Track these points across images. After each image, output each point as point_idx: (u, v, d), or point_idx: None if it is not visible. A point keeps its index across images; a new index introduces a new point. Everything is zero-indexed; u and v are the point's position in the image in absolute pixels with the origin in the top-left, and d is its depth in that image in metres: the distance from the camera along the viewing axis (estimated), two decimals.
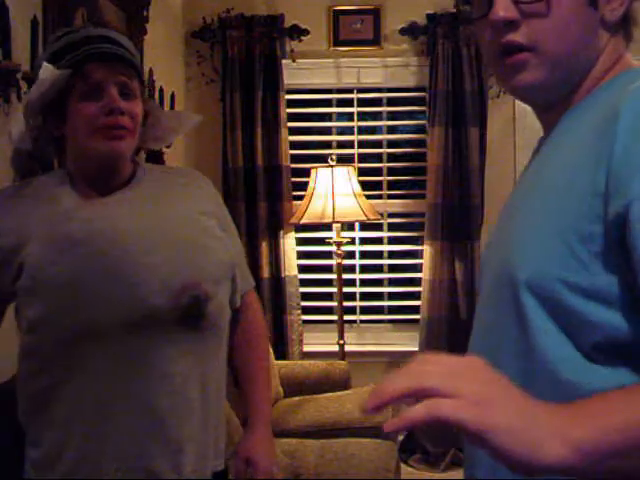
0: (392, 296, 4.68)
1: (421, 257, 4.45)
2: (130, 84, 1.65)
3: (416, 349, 4.35)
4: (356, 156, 4.63)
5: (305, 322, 4.50)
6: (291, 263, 4.41)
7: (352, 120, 4.66)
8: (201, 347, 1.66)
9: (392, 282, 4.68)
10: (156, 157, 3.73)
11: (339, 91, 4.65)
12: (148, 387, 1.58)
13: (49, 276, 1.55)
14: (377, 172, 4.66)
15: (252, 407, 1.87)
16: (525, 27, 1.04)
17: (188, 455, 1.62)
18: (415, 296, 4.52)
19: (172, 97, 3.88)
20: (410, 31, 4.47)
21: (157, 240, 1.63)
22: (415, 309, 4.47)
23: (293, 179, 4.49)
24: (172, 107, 3.86)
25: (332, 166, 4.26)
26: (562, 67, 1.06)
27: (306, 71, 4.55)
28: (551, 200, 1.00)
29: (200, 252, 1.68)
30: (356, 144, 4.64)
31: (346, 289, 4.44)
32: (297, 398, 3.86)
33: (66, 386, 1.57)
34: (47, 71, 1.61)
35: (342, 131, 4.74)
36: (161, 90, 3.78)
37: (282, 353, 4.30)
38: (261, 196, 4.37)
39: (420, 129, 4.61)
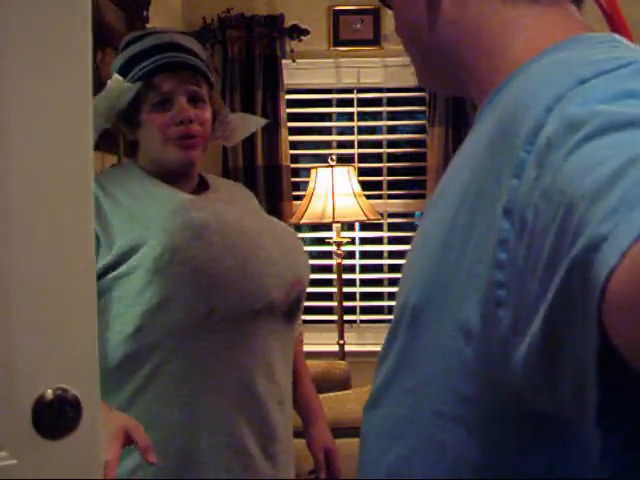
0: (392, 296, 4.67)
1: None
2: (199, 91, 1.71)
3: None
4: (356, 156, 4.63)
5: (305, 322, 4.50)
6: None
7: (352, 120, 4.66)
8: (289, 340, 1.78)
9: (392, 282, 4.68)
10: None
11: (339, 91, 4.65)
12: (251, 373, 1.66)
13: (184, 259, 1.59)
14: (377, 172, 4.66)
15: (306, 401, 1.96)
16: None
17: (281, 443, 1.72)
18: None
19: None
20: None
21: (271, 238, 1.75)
22: None
23: (293, 179, 4.49)
24: None
25: (332, 166, 4.26)
26: (419, 54, 0.92)
27: (306, 71, 4.55)
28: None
29: (298, 252, 1.83)
30: (356, 144, 4.64)
31: (346, 289, 4.44)
32: None
33: (177, 363, 1.63)
34: (117, 82, 1.66)
35: (342, 131, 4.74)
36: None
37: None
38: (261, 196, 4.37)
39: (420, 129, 4.61)
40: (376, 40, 4.52)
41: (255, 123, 2.00)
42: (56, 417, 1.24)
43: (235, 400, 1.64)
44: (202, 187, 1.83)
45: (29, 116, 1.21)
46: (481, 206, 0.70)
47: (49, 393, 1.24)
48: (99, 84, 1.65)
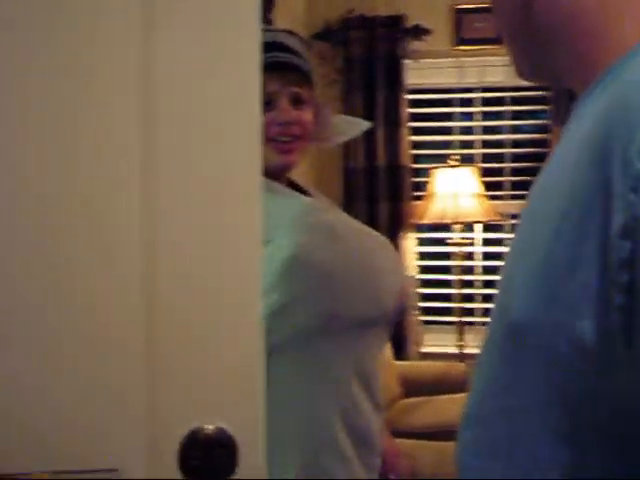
0: None
1: None
2: (302, 93, 1.69)
3: None
4: (478, 156, 4.58)
5: (424, 322, 4.48)
6: (411, 264, 4.40)
7: (474, 120, 4.61)
8: (384, 347, 1.76)
9: None
10: None
11: (461, 90, 4.61)
12: (355, 379, 1.62)
13: (313, 261, 1.54)
14: (500, 172, 4.59)
15: None
16: None
17: (375, 449, 1.68)
18: None
19: None
20: None
21: (383, 244, 1.73)
22: None
23: (414, 179, 4.48)
24: None
25: (454, 166, 4.23)
26: (516, 42, 0.91)
27: (427, 71, 4.53)
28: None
29: (400, 263, 1.84)
30: (479, 144, 4.59)
31: (466, 290, 4.40)
32: (415, 399, 3.85)
33: (293, 369, 1.59)
34: None
35: (464, 131, 4.70)
36: None
37: (401, 353, 4.30)
38: (382, 196, 4.37)
39: (544, 129, 4.52)
40: (500, 38, 4.44)
41: (358, 126, 1.94)
42: (207, 460, 1.10)
43: (336, 406, 1.61)
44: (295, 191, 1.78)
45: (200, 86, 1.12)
46: (589, 219, 0.64)
47: (199, 432, 1.09)
48: None
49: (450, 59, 4.52)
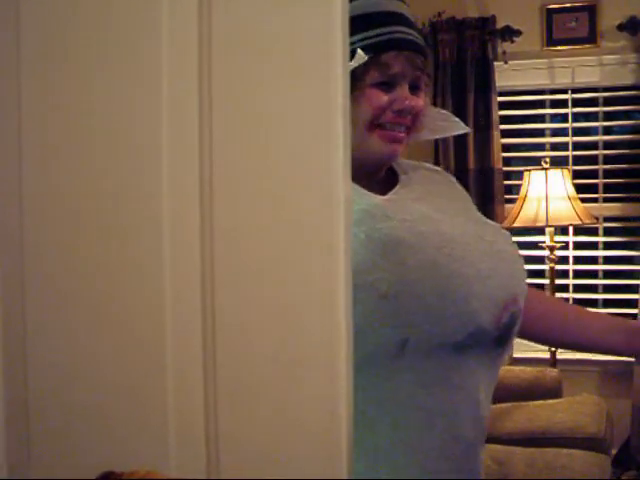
0: (607, 303, 4.51)
1: (639, 263, 4.27)
2: (422, 77, 1.48)
3: (632, 359, 4.17)
4: (570, 158, 4.50)
5: None
6: None
7: (566, 121, 4.54)
8: (497, 368, 1.48)
9: (607, 289, 4.52)
10: None
11: (552, 92, 4.54)
12: (455, 415, 1.39)
13: (369, 282, 1.30)
14: (593, 174, 4.51)
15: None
16: None
17: None
18: (632, 304, 4.33)
19: None
20: (629, 26, 4.29)
21: (479, 246, 1.42)
22: (632, 317, 4.29)
23: (505, 182, 4.44)
24: None
25: (546, 169, 4.17)
26: None
27: (518, 72, 4.48)
28: None
29: (514, 261, 1.48)
30: (570, 146, 4.52)
31: (558, 294, 4.33)
32: (507, 404, 3.81)
33: (363, 407, 1.28)
34: (359, 58, 1.44)
35: (556, 133, 4.63)
36: None
37: None
38: (472, 198, 4.33)
39: (639, 129, 4.42)
40: (592, 38, 4.38)
41: (455, 126, 1.68)
42: None
43: (435, 446, 1.38)
44: (390, 181, 1.54)
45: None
46: None
47: None
48: None
49: (541, 60, 4.46)
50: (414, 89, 1.46)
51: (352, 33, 1.33)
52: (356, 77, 1.40)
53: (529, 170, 4.22)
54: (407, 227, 1.38)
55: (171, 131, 0.96)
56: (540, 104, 4.59)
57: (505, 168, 4.47)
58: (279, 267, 0.92)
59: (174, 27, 0.96)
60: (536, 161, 4.41)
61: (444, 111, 1.68)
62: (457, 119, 1.67)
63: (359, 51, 1.42)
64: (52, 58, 1.00)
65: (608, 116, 4.55)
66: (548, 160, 4.30)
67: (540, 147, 4.61)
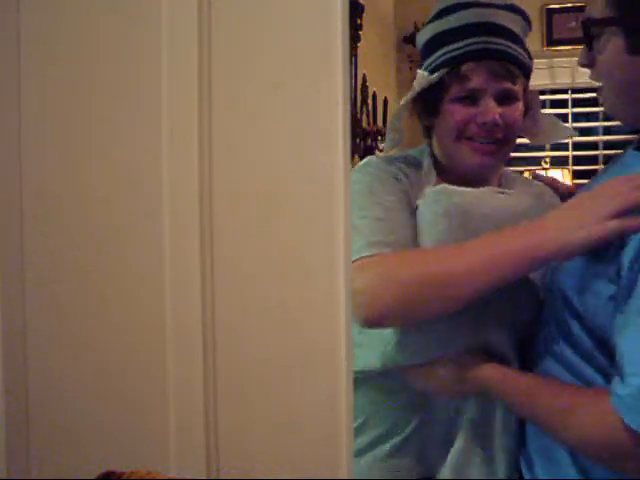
0: None
1: None
2: (512, 89, 1.43)
3: None
4: (570, 158, 4.50)
5: None
6: None
7: (566, 121, 4.54)
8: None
9: None
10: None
11: (553, 92, 4.54)
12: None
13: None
14: (592, 175, 4.50)
15: None
16: (596, 69, 1.33)
17: None
18: None
19: (385, 102, 3.94)
20: None
21: None
22: None
23: None
24: (385, 112, 3.92)
25: (546, 169, 4.17)
26: (622, 98, 1.31)
27: None
28: None
29: None
30: (570, 146, 4.52)
31: None
32: None
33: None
34: (421, 79, 1.46)
35: None
36: (374, 95, 3.85)
37: None
38: None
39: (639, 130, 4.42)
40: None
41: (564, 132, 1.65)
42: None
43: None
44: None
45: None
46: None
47: None
48: None
49: (541, 60, 4.46)
50: (507, 100, 1.42)
51: (437, 48, 1.43)
52: (439, 93, 1.43)
53: (529, 170, 4.23)
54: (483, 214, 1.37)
55: (171, 131, 0.97)
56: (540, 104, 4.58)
57: (505, 168, 4.46)
58: (279, 268, 0.92)
59: (173, 26, 0.96)
60: (536, 161, 4.41)
61: (551, 115, 1.63)
62: (564, 124, 1.66)
63: (419, 71, 1.44)
64: (51, 58, 1.00)
65: (608, 116, 4.54)
66: (548, 160, 4.30)
67: (540, 147, 4.60)
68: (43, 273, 1.02)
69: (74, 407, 1.00)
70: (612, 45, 1.28)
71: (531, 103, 1.52)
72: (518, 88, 1.44)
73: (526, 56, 1.48)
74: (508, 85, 1.42)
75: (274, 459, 0.91)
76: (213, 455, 0.93)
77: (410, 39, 4.49)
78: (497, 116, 1.40)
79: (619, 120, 1.39)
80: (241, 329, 0.93)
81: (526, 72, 1.48)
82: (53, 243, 1.01)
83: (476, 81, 1.40)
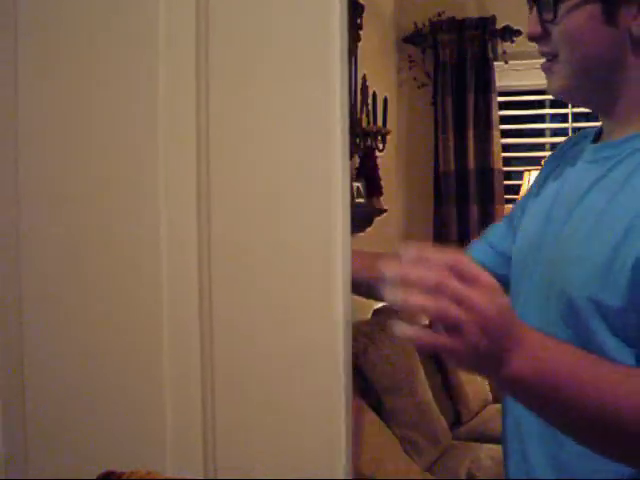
0: None
1: None
2: None
3: None
4: None
5: None
6: None
7: (566, 121, 4.54)
8: None
9: None
10: (368, 159, 3.81)
11: None
12: None
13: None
14: None
15: None
16: (551, 40, 1.16)
17: None
18: None
19: (385, 102, 3.94)
20: None
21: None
22: None
23: (505, 182, 4.43)
24: (385, 111, 3.92)
25: None
26: (581, 76, 1.14)
27: (518, 72, 4.46)
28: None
29: None
30: None
31: None
32: None
33: None
34: None
35: (556, 133, 4.62)
36: (374, 95, 3.85)
37: None
38: (472, 199, 4.34)
39: None
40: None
41: None
42: None
43: None
44: None
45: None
46: None
47: None
48: None
49: (541, 60, 4.44)
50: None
51: None
52: None
53: (529, 170, 4.22)
54: None
55: (168, 130, 0.97)
56: (540, 104, 4.58)
57: (505, 168, 4.46)
58: (278, 266, 0.92)
59: (171, 25, 0.96)
60: (536, 161, 4.41)
61: None
62: None
63: None
64: (48, 58, 1.00)
65: None
66: None
67: (540, 147, 4.60)
68: (40, 272, 1.02)
69: (71, 407, 1.00)
70: (582, 13, 1.09)
71: None
72: None
73: None
74: None
75: (272, 458, 0.91)
76: (210, 455, 0.93)
77: (410, 39, 4.49)
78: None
79: (569, 102, 1.27)
80: (239, 328, 0.93)
81: None
82: (50, 242, 1.01)
83: None
